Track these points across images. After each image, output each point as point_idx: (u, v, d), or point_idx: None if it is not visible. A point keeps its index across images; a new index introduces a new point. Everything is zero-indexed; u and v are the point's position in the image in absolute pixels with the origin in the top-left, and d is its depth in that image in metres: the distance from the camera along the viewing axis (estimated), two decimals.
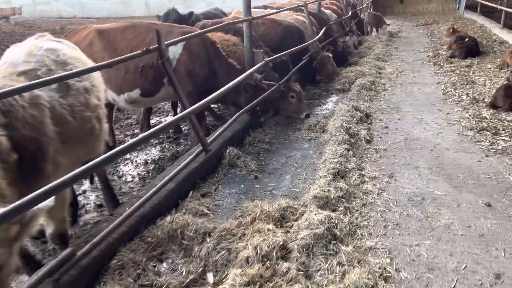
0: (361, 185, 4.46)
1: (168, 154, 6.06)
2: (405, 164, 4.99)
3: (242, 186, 4.62)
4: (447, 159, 5.09)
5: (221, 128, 5.02)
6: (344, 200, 4.05)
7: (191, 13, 7.20)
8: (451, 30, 12.65)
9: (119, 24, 5.22)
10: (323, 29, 9.88)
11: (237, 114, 5.31)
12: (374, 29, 16.64)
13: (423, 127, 6.21)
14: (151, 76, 4.95)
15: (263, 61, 6.06)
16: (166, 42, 3.61)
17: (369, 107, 7.19)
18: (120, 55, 4.99)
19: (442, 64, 10.54)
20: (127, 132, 7.13)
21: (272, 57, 6.19)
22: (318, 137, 5.97)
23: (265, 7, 10.46)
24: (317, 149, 5.60)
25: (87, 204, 4.74)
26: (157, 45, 3.49)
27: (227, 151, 5.11)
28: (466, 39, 11.07)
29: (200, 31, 4.69)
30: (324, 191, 4.06)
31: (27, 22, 32.32)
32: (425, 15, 23.83)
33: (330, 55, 8.89)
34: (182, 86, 4.73)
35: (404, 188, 4.41)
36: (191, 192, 4.30)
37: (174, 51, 4.96)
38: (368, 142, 5.68)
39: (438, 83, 8.77)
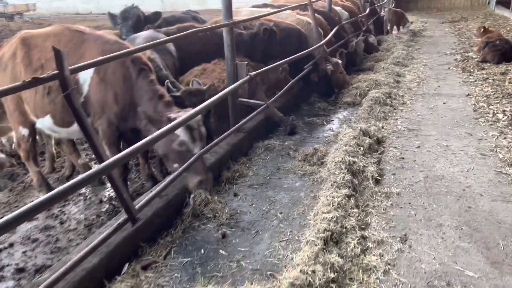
0: (362, 255, 3.25)
1: (131, 189, 4.96)
2: (424, 219, 3.75)
3: (202, 251, 3.47)
4: (481, 212, 3.82)
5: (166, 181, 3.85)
6: (334, 287, 2.86)
7: (157, 14, 5.87)
8: (482, 30, 11.12)
9: (47, 30, 4.14)
10: (333, 31, 8.60)
11: (207, 147, 4.13)
12: (395, 27, 15.16)
13: (448, 159, 4.92)
14: (61, 101, 3.85)
15: (248, 76, 4.89)
16: (71, 67, 2.49)
17: (382, 128, 5.91)
18: (34, 70, 3.97)
19: (472, 70, 9.10)
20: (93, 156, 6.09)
21: (258, 71, 5.01)
22: (314, 173, 4.76)
23: (264, 5, 9.22)
24: (310, 191, 4.41)
25: (7, 266, 3.69)
26: (57, 71, 2.38)
27: (192, 195, 3.98)
28: (497, 42, 9.58)
29: (131, 48, 3.42)
30: (307, 273, 2.88)
31: (42, 18, 31.92)
32: (452, 11, 22.03)
33: (339, 61, 7.60)
34: (95, 123, 3.63)
35: (421, 263, 3.18)
36: (126, 265, 3.18)
37: (84, 75, 3.82)
38: (377, 182, 4.44)
39: (468, 95, 7.39)
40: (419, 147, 5.32)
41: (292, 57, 6.00)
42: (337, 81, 7.76)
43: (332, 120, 6.70)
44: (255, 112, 5.07)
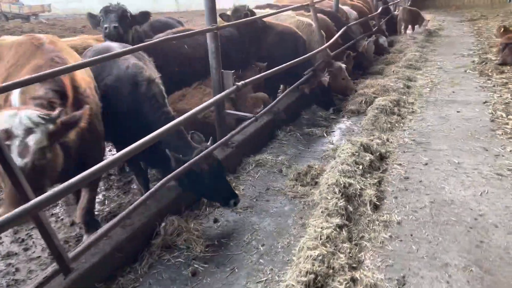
0: None
1: (107, 209, 4.56)
2: (427, 257, 3.23)
3: None
4: (495, 248, 3.27)
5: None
6: None
7: (145, 14, 5.09)
8: (502, 29, 10.38)
9: (15, 39, 3.73)
10: (339, 32, 8.05)
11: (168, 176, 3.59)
12: (410, 27, 14.45)
13: (459, 179, 4.36)
14: None
15: (235, 86, 4.42)
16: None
17: (387, 142, 5.36)
18: None
19: (490, 74, 8.43)
20: None
21: (247, 80, 4.53)
22: (306, 195, 4.27)
23: (268, 6, 8.72)
24: (299, 217, 3.92)
25: None
26: None
27: (163, 224, 3.54)
28: None
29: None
30: None
31: (57, 19, 32.10)
32: (472, 9, 21.08)
33: (343, 66, 7.06)
34: None
35: None
36: None
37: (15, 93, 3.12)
38: (376, 208, 3.92)
39: (485, 102, 6.76)
40: (427, 164, 4.76)
41: (286, 64, 5.46)
42: (339, 88, 7.22)
43: (333, 131, 6.18)
44: (244, 124, 4.60)
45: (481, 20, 16.89)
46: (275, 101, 5.41)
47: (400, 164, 4.78)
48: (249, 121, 4.59)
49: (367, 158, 4.62)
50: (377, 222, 3.68)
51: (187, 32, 4.18)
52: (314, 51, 6.34)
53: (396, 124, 6.02)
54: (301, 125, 6.43)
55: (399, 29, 14.30)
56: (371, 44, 9.44)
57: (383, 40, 10.91)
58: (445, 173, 4.51)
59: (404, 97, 7.16)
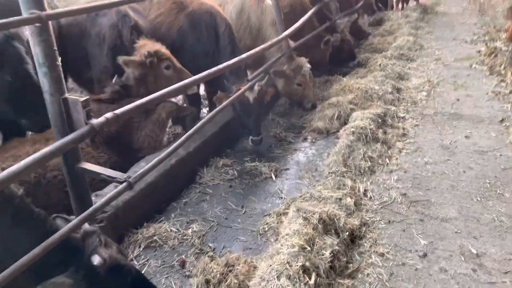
0: None
1: None
2: None
3: None
4: None
5: None
6: None
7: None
8: None
9: None
10: (310, 11, 5.95)
11: None
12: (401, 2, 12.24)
13: None
14: None
15: (88, 125, 2.37)
16: None
17: (363, 199, 3.45)
18: None
19: (503, 71, 6.47)
20: None
21: (120, 110, 2.47)
22: None
23: None
24: None
25: None
26: None
27: None
28: None
29: None
30: None
31: None
32: None
33: (306, 66, 4.94)
34: None
35: None
36: None
37: None
38: None
39: (502, 121, 4.85)
40: (425, 256, 2.87)
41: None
42: (294, 97, 5.20)
43: (286, 169, 4.17)
44: (112, 193, 2.57)
45: None
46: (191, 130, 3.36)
47: (382, 255, 2.87)
48: (120, 187, 2.55)
49: (327, 252, 2.67)
50: None
51: None
52: (266, 44, 4.25)
53: (380, 161, 4.07)
54: (243, 154, 4.41)
55: (390, 3, 12.09)
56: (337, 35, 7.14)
57: (364, 20, 8.75)
58: (458, 285, 2.62)
59: (392, 108, 5.18)
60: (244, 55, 3.98)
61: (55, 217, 2.40)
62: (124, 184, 2.55)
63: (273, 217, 3.30)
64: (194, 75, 3.52)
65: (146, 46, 3.51)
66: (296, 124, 5.12)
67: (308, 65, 4.90)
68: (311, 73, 5.08)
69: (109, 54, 3.96)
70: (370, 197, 3.52)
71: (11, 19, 2.15)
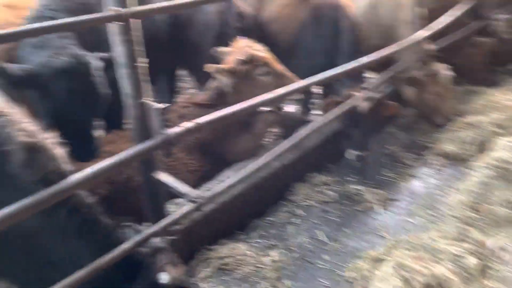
0: None
1: None
2: None
3: None
4: None
5: None
6: None
7: None
8: None
9: None
10: (459, 10, 4.91)
11: None
12: None
13: None
14: None
15: (163, 135, 2.16)
16: None
17: (489, 263, 2.63)
18: None
19: None
20: None
21: (201, 122, 2.18)
22: None
23: None
24: None
25: None
26: None
27: None
28: None
29: None
30: None
31: None
32: None
33: (446, 72, 4.00)
34: None
35: None
36: None
37: None
38: None
39: None
40: None
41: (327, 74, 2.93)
42: (424, 107, 4.29)
43: (394, 199, 3.45)
44: (180, 212, 2.31)
45: None
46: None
47: None
48: (187, 208, 2.29)
49: None
50: None
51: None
52: (397, 46, 3.57)
53: None
54: (346, 173, 3.81)
55: None
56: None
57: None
58: None
59: None
60: (365, 59, 3.37)
61: (125, 226, 2.28)
62: (192, 206, 2.28)
63: (366, 262, 2.72)
64: (308, 74, 3.12)
65: (240, 49, 3.16)
66: (419, 142, 4.28)
67: (448, 73, 4.01)
68: (450, 83, 4.19)
69: (213, 43, 3.80)
70: (504, 261, 2.67)
71: (90, 16, 2.00)
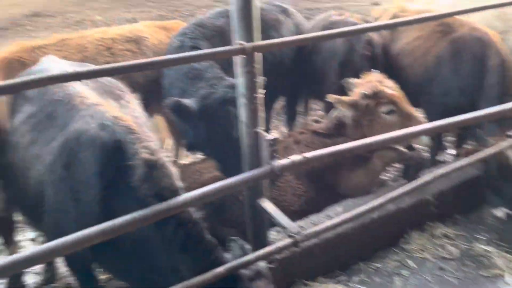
0: None
1: None
2: None
3: None
4: None
5: None
6: None
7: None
8: None
9: None
10: None
11: None
12: None
13: None
14: None
15: (268, 166, 2.19)
16: None
17: None
18: None
19: None
20: None
21: (312, 155, 2.14)
22: None
23: None
24: None
25: None
26: None
27: None
28: None
29: None
30: None
31: None
32: None
33: None
34: None
35: None
36: None
37: None
38: None
39: None
40: None
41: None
42: None
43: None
44: (275, 246, 2.29)
45: None
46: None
47: None
48: (285, 242, 2.26)
49: None
50: None
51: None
52: None
53: None
54: (476, 229, 3.32)
55: None
56: None
57: None
58: None
59: None
60: None
61: (232, 240, 2.31)
62: (288, 241, 2.25)
63: None
64: (440, 114, 2.87)
65: (369, 82, 3.03)
66: None
67: None
68: None
69: (339, 70, 3.76)
70: None
71: (216, 49, 2.16)
